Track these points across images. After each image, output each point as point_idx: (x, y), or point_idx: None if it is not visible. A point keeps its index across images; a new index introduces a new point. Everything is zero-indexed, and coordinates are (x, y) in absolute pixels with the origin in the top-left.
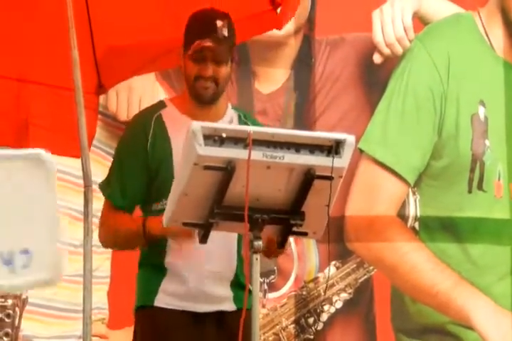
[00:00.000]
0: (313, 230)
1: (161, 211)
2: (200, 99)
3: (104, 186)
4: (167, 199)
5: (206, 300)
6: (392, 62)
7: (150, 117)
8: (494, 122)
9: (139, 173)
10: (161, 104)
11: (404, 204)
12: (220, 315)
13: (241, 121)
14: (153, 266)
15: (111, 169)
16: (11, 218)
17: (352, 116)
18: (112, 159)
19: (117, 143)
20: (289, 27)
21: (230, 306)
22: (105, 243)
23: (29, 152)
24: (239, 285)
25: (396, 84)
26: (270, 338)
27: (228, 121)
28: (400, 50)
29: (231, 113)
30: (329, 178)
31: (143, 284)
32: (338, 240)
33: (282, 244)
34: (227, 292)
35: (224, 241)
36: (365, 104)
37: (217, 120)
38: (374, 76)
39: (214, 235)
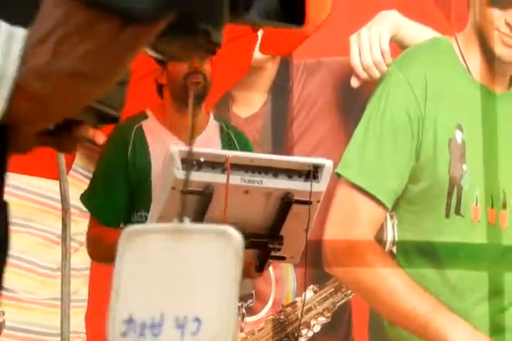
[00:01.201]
0: (291, 254)
1: (140, 221)
2: (186, 100)
3: (88, 200)
4: (146, 209)
5: None
6: (370, 86)
7: (130, 129)
8: (471, 146)
9: (122, 186)
10: (142, 115)
11: (381, 229)
12: None
13: (223, 132)
14: None
15: (93, 182)
16: (193, 286)
17: (329, 141)
18: (93, 172)
19: (99, 156)
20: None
21: None
22: (97, 258)
23: (218, 227)
24: None
25: (373, 108)
26: None
27: (211, 132)
28: (377, 74)
29: (213, 123)
30: (307, 203)
31: None
32: (315, 264)
33: (261, 267)
34: None
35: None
36: (343, 128)
37: (200, 131)
38: (351, 100)
39: None
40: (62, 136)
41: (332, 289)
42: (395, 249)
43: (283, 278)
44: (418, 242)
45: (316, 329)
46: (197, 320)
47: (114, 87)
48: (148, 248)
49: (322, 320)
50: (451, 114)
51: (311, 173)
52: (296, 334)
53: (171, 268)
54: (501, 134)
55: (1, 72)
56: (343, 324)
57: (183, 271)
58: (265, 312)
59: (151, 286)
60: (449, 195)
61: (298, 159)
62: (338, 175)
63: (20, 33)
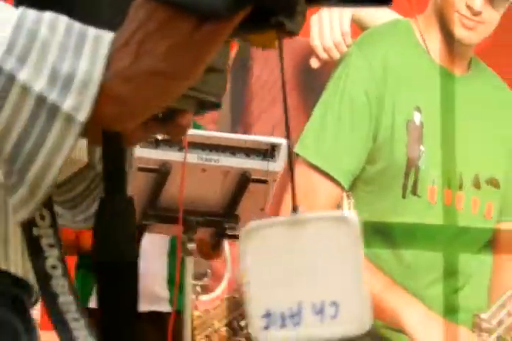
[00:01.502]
0: None
1: None
2: None
3: None
4: None
5: (143, 299)
6: (330, 67)
7: None
8: (429, 128)
9: None
10: None
11: (338, 208)
12: (157, 315)
13: None
14: (88, 266)
15: None
16: (322, 271)
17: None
18: None
19: None
20: None
21: (165, 307)
22: None
23: (335, 213)
24: (174, 286)
25: (332, 88)
26: (202, 340)
27: None
28: (337, 55)
29: None
30: (264, 182)
31: (78, 286)
32: None
33: (216, 246)
34: (164, 293)
35: (159, 243)
36: (302, 108)
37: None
38: (311, 81)
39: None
40: (168, 124)
41: None
42: None
43: (238, 257)
44: (374, 222)
45: None
46: (334, 303)
47: (212, 75)
48: (268, 242)
49: None
50: (410, 95)
51: (269, 152)
52: None
53: (295, 258)
54: (459, 116)
55: (88, 76)
56: None
57: (308, 259)
58: (220, 290)
59: (280, 278)
60: (406, 175)
61: (255, 138)
62: (296, 155)
63: (107, 36)
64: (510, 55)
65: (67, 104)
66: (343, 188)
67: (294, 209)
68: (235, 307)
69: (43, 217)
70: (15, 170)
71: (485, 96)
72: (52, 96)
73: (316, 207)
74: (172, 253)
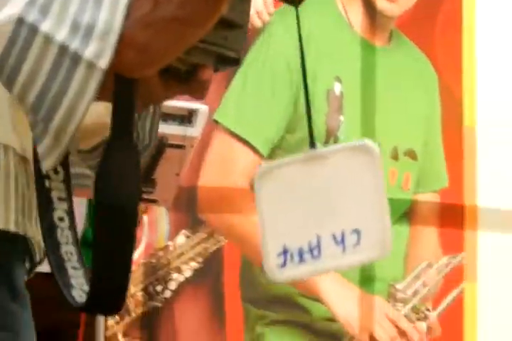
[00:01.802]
0: (163, 198)
1: None
2: None
3: None
4: None
5: None
6: (252, 35)
7: None
8: (350, 98)
9: None
10: None
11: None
12: None
13: None
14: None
15: None
16: (342, 202)
17: (210, 88)
18: None
19: None
20: None
21: None
22: None
23: (353, 143)
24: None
25: (254, 57)
26: None
27: None
28: (258, 24)
29: None
30: (181, 147)
31: None
32: (189, 209)
33: None
34: None
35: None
36: (223, 76)
37: None
38: None
39: None
40: (190, 81)
41: (205, 235)
42: None
43: (156, 222)
44: None
45: (188, 274)
46: (355, 231)
47: (232, 31)
48: (285, 180)
49: (194, 265)
50: (331, 65)
51: (186, 118)
52: (167, 278)
53: (313, 193)
54: (380, 88)
55: (108, 25)
56: (215, 270)
57: (327, 192)
58: (137, 255)
59: (299, 214)
60: (325, 145)
61: (173, 103)
62: (216, 122)
63: None
64: (429, 28)
65: (88, 52)
66: (261, 156)
67: (312, 145)
68: (152, 272)
69: (56, 172)
70: (39, 119)
71: (405, 68)
72: (74, 45)
73: (234, 173)
74: (89, 217)
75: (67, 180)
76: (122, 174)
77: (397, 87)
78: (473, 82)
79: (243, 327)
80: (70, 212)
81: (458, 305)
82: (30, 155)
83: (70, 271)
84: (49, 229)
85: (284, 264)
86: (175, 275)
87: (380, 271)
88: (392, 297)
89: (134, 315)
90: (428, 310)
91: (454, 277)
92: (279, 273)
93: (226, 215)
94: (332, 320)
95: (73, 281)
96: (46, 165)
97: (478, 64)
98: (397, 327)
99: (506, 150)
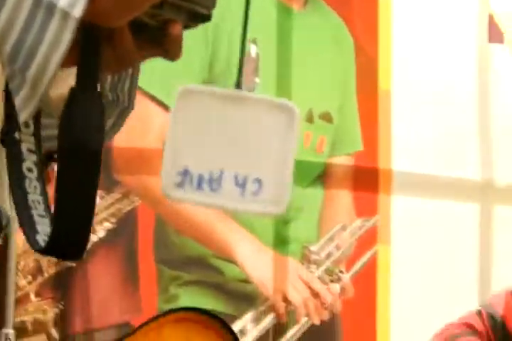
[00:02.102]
0: None
1: None
2: None
3: None
4: None
5: None
6: None
7: None
8: (265, 61)
9: None
10: None
11: None
12: None
13: None
14: None
15: None
16: (252, 149)
17: None
18: None
19: None
20: None
21: None
22: None
23: (277, 100)
24: None
25: None
26: (31, 264)
27: None
28: None
29: None
30: None
31: None
32: (104, 170)
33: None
34: None
35: None
36: None
37: None
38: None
39: None
40: (161, 39)
41: (119, 195)
42: None
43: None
44: None
45: (101, 234)
46: (257, 181)
47: None
48: (204, 108)
49: (107, 225)
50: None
51: None
52: None
53: (228, 129)
54: (295, 50)
55: None
56: (129, 231)
57: (242, 134)
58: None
59: (209, 143)
60: None
61: None
62: None
63: None
64: None
65: (62, 2)
66: None
67: (238, 85)
68: None
69: (27, 125)
70: (17, 69)
71: (321, 32)
72: None
73: (149, 134)
74: None
75: (37, 135)
76: (86, 119)
77: (313, 50)
78: (388, 46)
79: (157, 287)
80: (39, 165)
81: (371, 267)
82: None
83: (36, 218)
84: (18, 179)
85: (181, 184)
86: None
87: (294, 232)
88: (305, 259)
89: (46, 275)
90: (341, 271)
91: (368, 240)
92: (174, 192)
93: (142, 176)
94: (246, 281)
95: (39, 227)
96: (22, 117)
97: (393, 28)
98: (310, 288)
99: (421, 114)
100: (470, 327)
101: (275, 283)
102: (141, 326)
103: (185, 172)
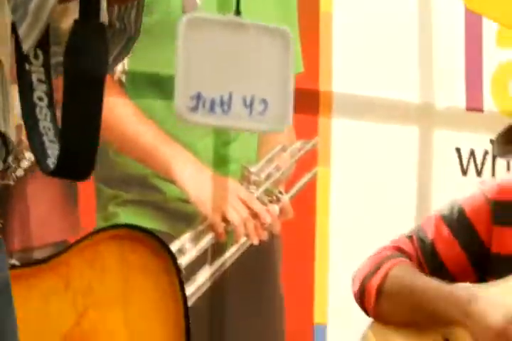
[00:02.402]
0: None
1: None
2: None
3: None
4: None
5: None
6: None
7: None
8: None
9: None
10: None
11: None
12: None
13: None
14: None
15: None
16: (256, 71)
17: None
18: None
19: None
20: None
21: None
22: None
23: (276, 26)
24: None
25: None
26: None
27: None
28: None
29: None
30: None
31: None
32: None
33: None
34: None
35: None
36: None
37: None
38: None
39: None
40: None
41: None
42: (124, 78)
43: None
44: (149, 73)
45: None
46: (263, 101)
47: None
48: (209, 35)
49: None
50: None
51: None
52: (19, 157)
53: (232, 55)
54: None
55: None
56: None
57: (245, 59)
58: None
59: (216, 68)
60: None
61: None
62: None
63: None
64: None
65: None
66: None
67: (238, 12)
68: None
69: (36, 56)
70: (19, 2)
71: None
72: None
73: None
74: None
75: (46, 66)
76: (88, 49)
77: None
78: None
79: (95, 206)
80: (49, 94)
81: (311, 188)
82: (4, 58)
83: (47, 144)
84: (29, 108)
85: (195, 108)
86: (28, 154)
87: (234, 153)
88: (245, 179)
89: None
90: (281, 193)
91: (308, 161)
92: (190, 115)
93: None
94: (185, 201)
95: (49, 152)
96: (25, 46)
97: None
98: (249, 208)
99: (361, 36)
100: (400, 250)
101: (214, 203)
102: (76, 242)
103: (199, 97)
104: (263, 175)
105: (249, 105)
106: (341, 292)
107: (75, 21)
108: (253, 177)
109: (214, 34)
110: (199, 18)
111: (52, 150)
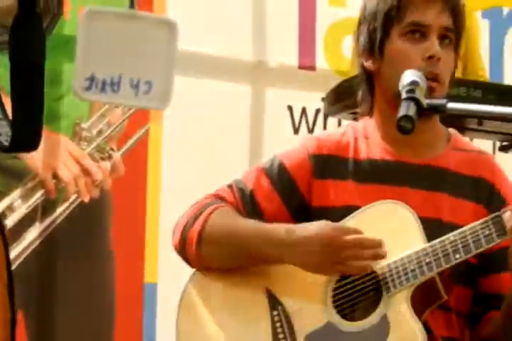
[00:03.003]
0: None
1: None
2: None
3: None
4: None
5: None
6: None
7: None
8: None
9: None
10: None
11: None
12: None
13: None
14: None
15: None
16: (142, 57)
17: None
18: None
19: None
20: None
21: None
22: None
23: (164, 17)
24: None
25: None
26: None
27: None
28: None
29: None
30: None
31: None
32: None
33: None
34: None
35: None
36: None
37: None
38: None
39: None
40: None
41: None
42: None
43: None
44: None
45: None
46: (148, 82)
47: None
48: (106, 25)
49: None
50: None
51: None
52: None
53: (122, 43)
54: None
55: None
56: None
57: (135, 46)
58: None
59: (110, 54)
60: None
61: None
62: None
63: None
64: None
65: None
66: None
67: (132, 5)
68: None
69: None
70: None
71: None
72: None
73: None
74: None
75: None
76: (29, 40)
77: None
78: None
79: None
80: None
81: (143, 145)
82: None
83: None
84: None
85: (89, 88)
86: None
87: (65, 108)
88: (77, 136)
89: None
90: (112, 149)
91: (140, 119)
92: (83, 94)
93: None
94: (15, 157)
95: (0, 129)
96: None
97: None
98: (80, 165)
99: None
100: (220, 198)
101: (45, 160)
102: None
103: (92, 78)
104: (95, 131)
105: (136, 85)
106: (172, 251)
107: (15, 16)
108: (84, 133)
109: (110, 24)
110: (98, 10)
111: (2, 128)
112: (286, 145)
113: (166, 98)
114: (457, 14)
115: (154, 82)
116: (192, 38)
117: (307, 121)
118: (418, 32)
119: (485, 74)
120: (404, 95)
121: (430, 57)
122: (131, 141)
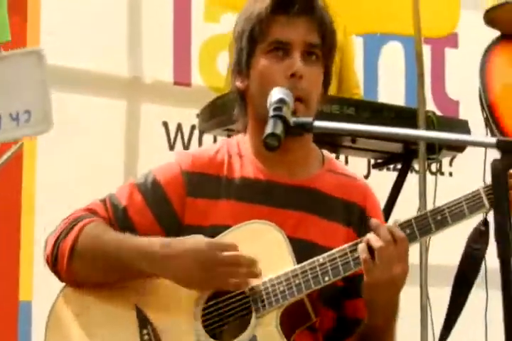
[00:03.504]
0: None
1: None
2: None
3: None
4: None
5: None
6: None
7: None
8: None
9: None
10: None
11: None
12: None
13: None
14: None
15: None
16: (17, 91)
17: None
18: None
19: None
20: None
21: None
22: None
23: (29, 49)
24: None
25: None
26: None
27: None
28: None
29: None
30: None
31: None
32: None
33: None
34: None
35: None
36: None
37: None
38: None
39: None
40: None
41: None
42: None
43: None
44: None
45: None
46: (27, 112)
47: None
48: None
49: None
50: None
51: None
52: None
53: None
54: None
55: None
56: None
57: (7, 82)
58: None
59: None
60: None
61: None
62: None
63: None
64: None
65: None
66: None
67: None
68: None
69: None
70: None
71: None
72: None
73: None
74: None
75: None
76: None
77: None
78: None
79: None
80: None
81: (17, 161)
82: None
83: None
84: None
85: None
86: None
87: None
88: None
89: None
90: None
91: None
92: None
93: None
94: None
95: None
96: None
97: None
98: None
99: (71, 8)
100: (93, 212)
101: None
102: None
103: None
104: None
105: (16, 118)
106: (47, 268)
107: None
108: None
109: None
110: None
111: None
112: (162, 162)
113: (48, 120)
114: (325, 30)
115: (32, 109)
116: (68, 54)
117: (182, 137)
118: (281, 49)
119: (359, 91)
120: (271, 113)
121: (292, 75)
122: (4, 157)
